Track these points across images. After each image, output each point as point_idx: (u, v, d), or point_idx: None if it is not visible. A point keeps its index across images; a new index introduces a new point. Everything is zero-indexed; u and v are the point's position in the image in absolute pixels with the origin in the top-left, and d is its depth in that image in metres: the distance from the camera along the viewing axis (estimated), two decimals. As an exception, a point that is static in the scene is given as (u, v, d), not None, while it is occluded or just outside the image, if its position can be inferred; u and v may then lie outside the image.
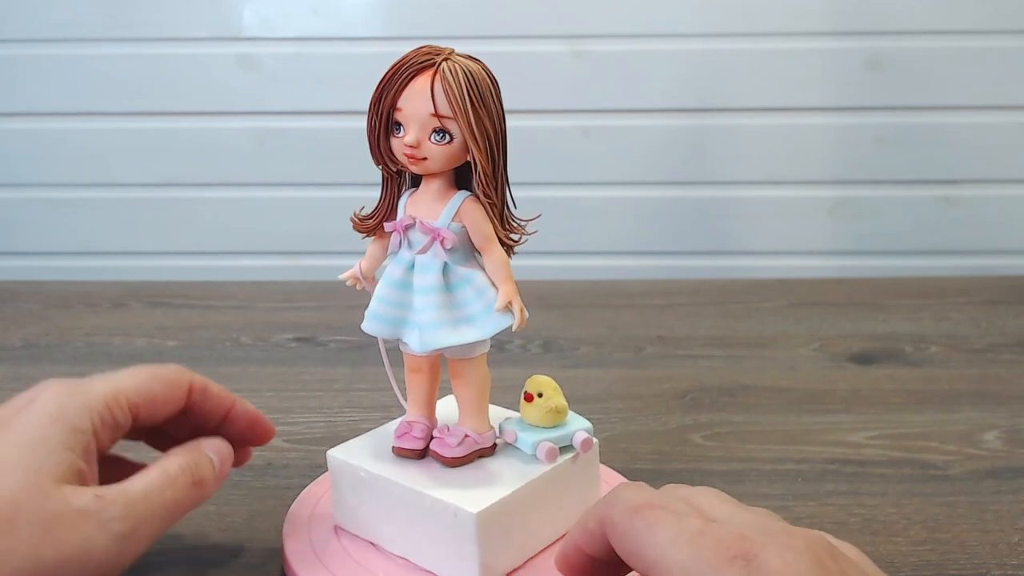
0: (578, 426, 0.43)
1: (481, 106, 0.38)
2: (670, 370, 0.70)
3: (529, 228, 0.42)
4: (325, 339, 0.77)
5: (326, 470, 0.51)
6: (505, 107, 0.40)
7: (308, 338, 0.78)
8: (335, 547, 0.43)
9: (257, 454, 0.56)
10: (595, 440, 0.44)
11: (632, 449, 0.57)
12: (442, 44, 0.41)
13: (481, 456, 0.43)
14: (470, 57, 0.40)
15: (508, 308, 0.40)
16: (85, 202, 1.00)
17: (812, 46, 0.94)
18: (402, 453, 0.43)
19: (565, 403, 0.43)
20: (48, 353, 0.74)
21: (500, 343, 0.73)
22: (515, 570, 0.41)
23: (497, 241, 0.41)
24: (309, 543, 0.43)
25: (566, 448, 0.43)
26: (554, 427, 0.43)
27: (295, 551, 0.42)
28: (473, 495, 0.39)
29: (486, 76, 0.39)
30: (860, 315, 0.82)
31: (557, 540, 0.43)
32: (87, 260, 1.02)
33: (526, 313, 0.40)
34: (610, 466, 0.51)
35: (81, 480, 0.35)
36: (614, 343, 0.76)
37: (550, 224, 0.43)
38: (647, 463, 0.55)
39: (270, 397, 0.65)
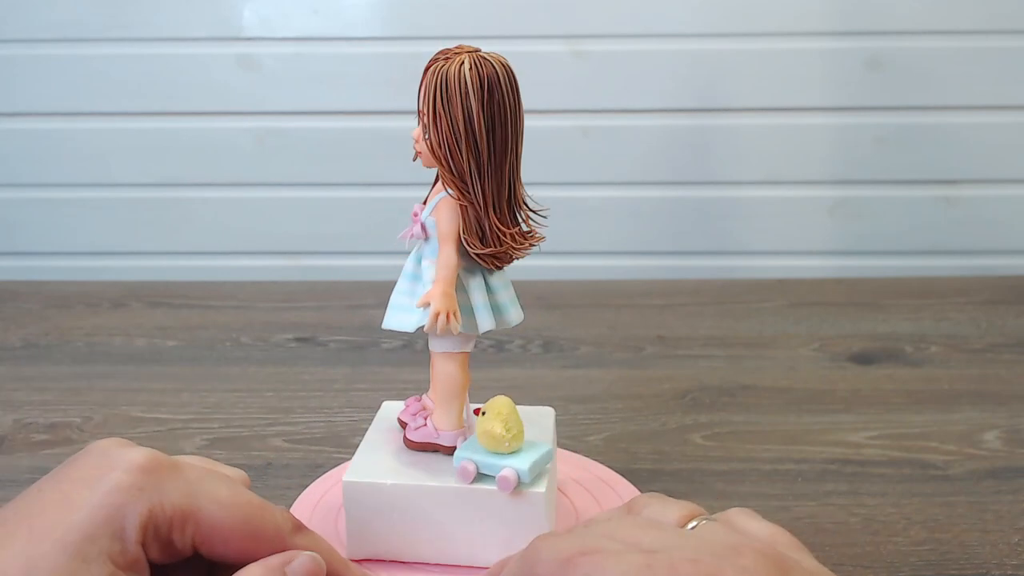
0: (515, 463, 0.41)
1: (444, 107, 0.39)
2: (670, 370, 0.70)
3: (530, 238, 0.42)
4: (325, 339, 0.77)
5: (326, 470, 0.51)
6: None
7: (308, 338, 0.78)
8: (335, 547, 0.43)
9: (257, 454, 0.57)
10: (524, 483, 0.41)
11: (632, 449, 0.57)
12: (441, 44, 0.41)
13: (437, 450, 0.43)
14: (483, 57, 0.40)
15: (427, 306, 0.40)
16: (85, 202, 1.00)
17: (812, 46, 0.94)
18: (411, 446, 0.44)
19: (500, 431, 0.40)
20: (48, 353, 0.74)
21: (500, 343, 0.74)
22: None
23: (452, 241, 0.41)
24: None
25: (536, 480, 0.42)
26: (494, 452, 0.41)
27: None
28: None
29: (464, 79, 0.39)
30: (860, 315, 0.82)
31: None
32: (87, 260, 1.02)
33: (444, 320, 0.40)
34: (610, 466, 0.51)
35: None
36: (614, 343, 0.76)
37: (550, 224, 0.43)
38: (647, 463, 0.55)
39: (270, 397, 0.65)
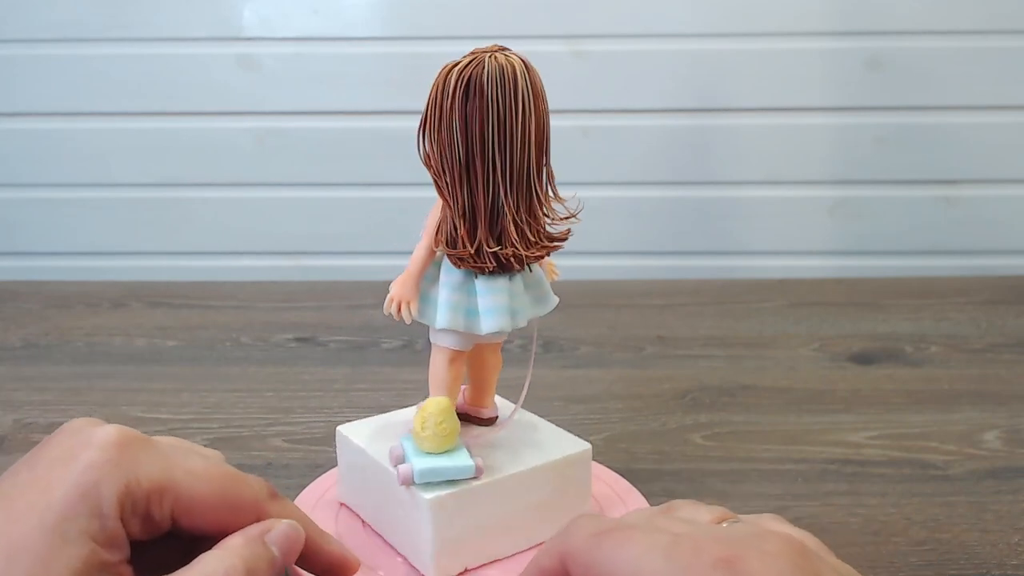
0: (419, 461, 0.41)
1: (434, 110, 0.39)
2: (670, 370, 0.70)
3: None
4: (325, 339, 0.77)
5: (326, 470, 0.51)
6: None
7: (308, 338, 0.78)
8: (333, 543, 0.43)
9: (257, 454, 0.57)
10: (416, 483, 0.41)
11: (632, 449, 0.57)
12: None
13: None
14: (488, 58, 0.39)
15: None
16: (85, 202, 1.00)
17: (812, 46, 0.94)
18: None
19: (417, 427, 0.41)
20: (48, 353, 0.74)
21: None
22: (471, 570, 0.42)
23: (427, 236, 0.41)
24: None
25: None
26: (416, 446, 0.41)
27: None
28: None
29: (447, 80, 0.39)
30: (860, 315, 0.82)
31: (517, 553, 0.43)
32: (87, 260, 1.02)
33: (395, 308, 0.41)
34: (610, 466, 0.51)
35: (102, 571, 0.30)
36: (614, 343, 0.76)
37: (551, 226, 0.43)
38: (647, 463, 0.55)
39: (270, 397, 0.65)
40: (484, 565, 0.42)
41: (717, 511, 0.33)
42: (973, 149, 0.96)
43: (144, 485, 0.32)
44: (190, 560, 0.32)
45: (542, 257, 0.42)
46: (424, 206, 0.43)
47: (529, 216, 0.41)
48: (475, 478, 0.41)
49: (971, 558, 0.45)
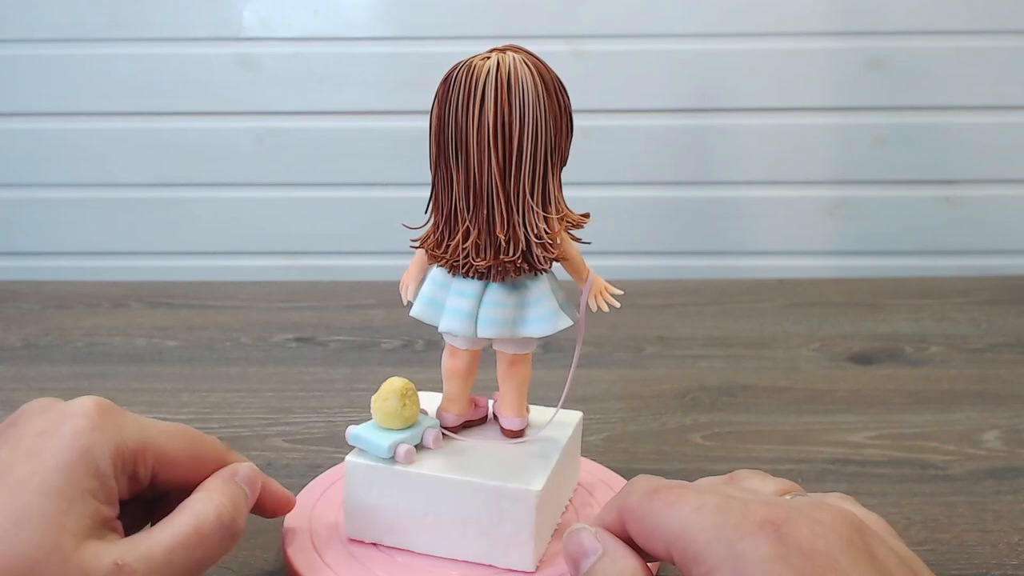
0: (362, 429, 0.42)
1: (434, 105, 0.39)
2: (670, 370, 0.70)
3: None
4: (325, 339, 0.77)
5: (325, 470, 0.51)
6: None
7: (308, 338, 0.78)
8: (336, 546, 0.43)
9: (257, 454, 0.57)
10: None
11: (632, 449, 0.57)
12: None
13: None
14: (479, 58, 0.38)
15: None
16: (85, 202, 1.00)
17: (812, 46, 0.94)
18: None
19: (392, 406, 0.42)
20: (48, 353, 0.74)
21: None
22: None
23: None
24: (310, 543, 0.43)
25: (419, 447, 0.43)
26: (405, 428, 0.42)
27: (296, 551, 0.42)
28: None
29: (449, 79, 0.38)
30: (860, 315, 0.82)
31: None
32: (87, 260, 1.02)
33: (401, 291, 0.43)
34: (610, 466, 0.51)
35: (106, 527, 0.33)
36: (614, 343, 0.76)
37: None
38: (647, 463, 0.55)
39: (270, 397, 0.65)
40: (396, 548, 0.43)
41: (783, 483, 0.33)
42: (973, 149, 0.96)
43: (130, 445, 0.35)
44: (156, 515, 0.35)
45: (502, 274, 0.40)
46: (424, 206, 0.43)
47: (488, 229, 0.39)
48: (392, 459, 0.41)
49: (971, 558, 0.45)
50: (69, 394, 0.66)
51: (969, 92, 0.95)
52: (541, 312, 0.41)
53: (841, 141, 0.97)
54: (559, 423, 0.46)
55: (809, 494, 0.33)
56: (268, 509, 0.42)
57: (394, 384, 0.42)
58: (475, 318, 0.41)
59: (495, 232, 0.39)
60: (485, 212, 0.39)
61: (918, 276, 0.96)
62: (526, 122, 0.37)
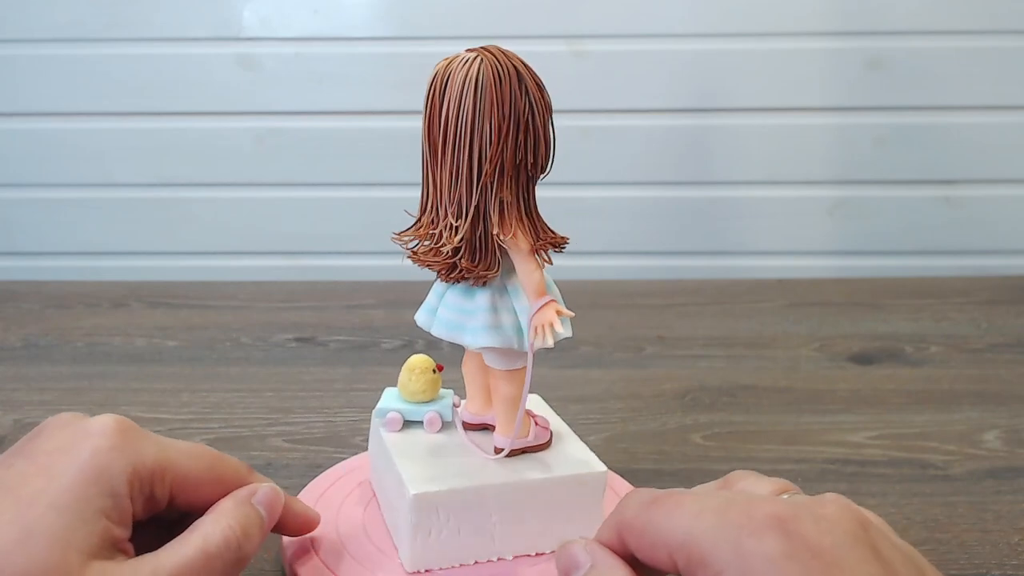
0: (435, 408, 0.46)
1: (426, 104, 0.38)
2: (670, 370, 0.70)
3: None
4: (325, 339, 0.77)
5: (325, 470, 0.51)
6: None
7: (308, 338, 0.78)
8: (336, 546, 0.43)
9: (257, 454, 0.57)
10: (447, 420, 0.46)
11: (632, 449, 0.57)
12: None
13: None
14: (468, 55, 0.38)
15: None
16: (85, 202, 1.00)
17: (812, 46, 0.94)
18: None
19: (413, 383, 0.45)
20: (48, 353, 0.74)
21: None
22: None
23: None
24: (310, 542, 0.43)
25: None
26: (413, 401, 0.46)
27: (296, 551, 0.43)
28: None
29: (438, 78, 0.38)
30: (860, 315, 0.82)
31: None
32: (87, 260, 1.02)
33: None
34: (610, 466, 0.51)
35: (115, 547, 0.32)
36: (614, 343, 0.76)
37: (550, 224, 0.43)
38: (647, 463, 0.55)
39: (270, 397, 0.65)
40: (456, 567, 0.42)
41: (778, 483, 0.33)
42: (973, 149, 0.96)
43: (148, 465, 0.34)
44: (175, 537, 0.34)
45: (443, 275, 0.40)
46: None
47: (438, 231, 0.39)
48: (419, 422, 0.45)
49: (971, 558, 0.45)
50: (69, 394, 0.66)
51: (969, 92, 0.95)
52: (477, 324, 0.40)
53: (841, 141, 0.97)
54: (575, 459, 0.45)
55: (804, 494, 0.33)
56: (291, 529, 0.41)
57: (411, 360, 0.46)
58: (434, 314, 0.42)
59: (437, 240, 0.39)
60: (428, 208, 0.40)
61: (918, 276, 0.96)
62: (449, 124, 0.37)
